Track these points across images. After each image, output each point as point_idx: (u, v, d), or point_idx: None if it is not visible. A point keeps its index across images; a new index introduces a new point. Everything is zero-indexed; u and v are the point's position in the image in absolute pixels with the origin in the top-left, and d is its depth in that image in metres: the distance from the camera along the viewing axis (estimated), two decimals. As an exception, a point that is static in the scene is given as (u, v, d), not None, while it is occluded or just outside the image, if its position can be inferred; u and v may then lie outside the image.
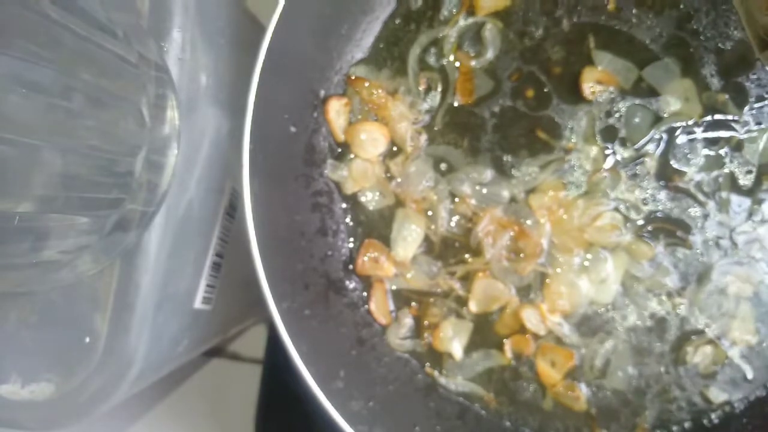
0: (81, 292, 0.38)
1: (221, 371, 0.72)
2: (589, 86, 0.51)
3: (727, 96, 0.51)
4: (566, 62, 0.52)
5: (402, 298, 0.53)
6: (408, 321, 0.52)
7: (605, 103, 0.51)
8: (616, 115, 0.51)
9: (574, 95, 0.52)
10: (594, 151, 0.52)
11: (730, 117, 0.51)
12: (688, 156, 0.51)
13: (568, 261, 0.51)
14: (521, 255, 0.51)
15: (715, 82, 0.51)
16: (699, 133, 0.51)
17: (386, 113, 0.53)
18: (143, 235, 0.39)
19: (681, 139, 0.51)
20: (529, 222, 0.51)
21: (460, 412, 0.51)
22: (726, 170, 0.51)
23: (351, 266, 0.53)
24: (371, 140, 0.53)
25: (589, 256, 0.51)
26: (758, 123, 0.50)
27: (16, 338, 0.39)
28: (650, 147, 0.51)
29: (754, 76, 0.51)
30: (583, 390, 0.50)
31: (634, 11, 0.52)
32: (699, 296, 0.50)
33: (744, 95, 0.51)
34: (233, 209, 0.49)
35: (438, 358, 0.52)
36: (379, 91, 0.53)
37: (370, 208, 0.53)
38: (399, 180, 0.53)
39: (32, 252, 0.32)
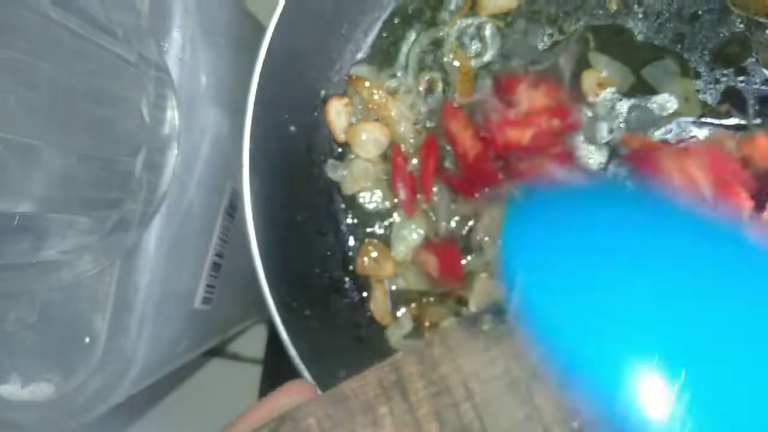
0: (81, 292, 0.38)
1: (221, 371, 0.72)
2: (589, 88, 0.51)
3: (728, 104, 0.51)
4: (568, 62, 0.52)
5: (402, 298, 0.53)
6: (408, 321, 0.52)
7: (605, 103, 0.51)
8: (616, 115, 0.51)
9: (575, 95, 0.52)
10: (594, 150, 0.52)
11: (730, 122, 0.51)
12: (689, 156, 0.51)
13: (568, 261, 0.51)
14: (521, 255, 0.51)
15: (715, 91, 0.51)
16: (699, 133, 0.51)
17: (386, 113, 0.53)
18: (143, 235, 0.39)
19: (680, 138, 0.51)
20: (529, 222, 0.51)
21: (460, 412, 0.51)
22: (726, 170, 0.51)
23: (351, 266, 0.53)
24: (372, 140, 0.53)
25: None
26: (758, 124, 0.50)
27: (16, 338, 0.39)
28: (650, 147, 0.51)
29: (755, 81, 0.51)
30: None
31: (638, 10, 0.52)
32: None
33: (745, 100, 0.51)
34: (233, 209, 0.49)
35: (438, 358, 0.52)
36: (380, 91, 0.53)
37: (370, 208, 0.53)
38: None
39: (32, 252, 0.32)
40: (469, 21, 0.53)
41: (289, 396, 0.29)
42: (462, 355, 0.28)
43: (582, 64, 0.52)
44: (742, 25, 0.50)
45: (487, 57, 0.53)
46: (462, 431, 0.27)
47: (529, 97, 0.50)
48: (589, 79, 0.51)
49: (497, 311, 0.29)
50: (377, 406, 0.28)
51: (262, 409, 0.29)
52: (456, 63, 0.53)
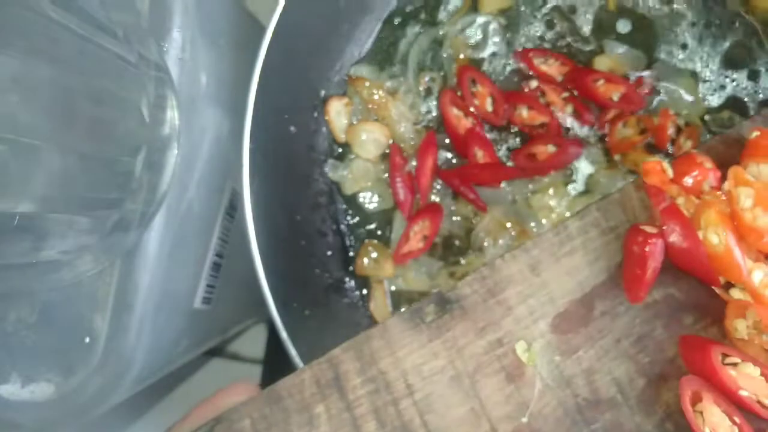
0: (81, 292, 0.38)
1: (221, 371, 0.72)
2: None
3: (729, 112, 0.51)
4: (567, 59, 0.52)
5: (402, 298, 0.53)
6: (408, 321, 0.52)
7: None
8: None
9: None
10: (594, 150, 0.52)
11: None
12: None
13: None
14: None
15: (719, 97, 0.51)
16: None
17: (386, 113, 0.53)
18: (143, 235, 0.39)
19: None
20: (531, 223, 0.51)
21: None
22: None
23: (351, 266, 0.53)
24: (371, 140, 0.53)
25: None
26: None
27: (16, 338, 0.38)
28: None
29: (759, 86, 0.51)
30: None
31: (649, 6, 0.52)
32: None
33: (746, 107, 0.51)
34: (233, 209, 0.49)
35: (438, 358, 0.52)
36: (380, 91, 0.53)
37: (370, 208, 0.53)
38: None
39: (32, 252, 0.32)
40: (471, 19, 0.53)
41: (231, 396, 0.29)
42: (402, 349, 0.28)
43: (586, 55, 0.52)
44: (744, 32, 0.51)
45: (489, 54, 0.53)
46: (403, 429, 0.27)
47: (546, 67, 0.52)
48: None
49: (441, 301, 0.28)
50: (313, 405, 0.28)
51: (203, 409, 0.29)
52: (455, 54, 0.53)
